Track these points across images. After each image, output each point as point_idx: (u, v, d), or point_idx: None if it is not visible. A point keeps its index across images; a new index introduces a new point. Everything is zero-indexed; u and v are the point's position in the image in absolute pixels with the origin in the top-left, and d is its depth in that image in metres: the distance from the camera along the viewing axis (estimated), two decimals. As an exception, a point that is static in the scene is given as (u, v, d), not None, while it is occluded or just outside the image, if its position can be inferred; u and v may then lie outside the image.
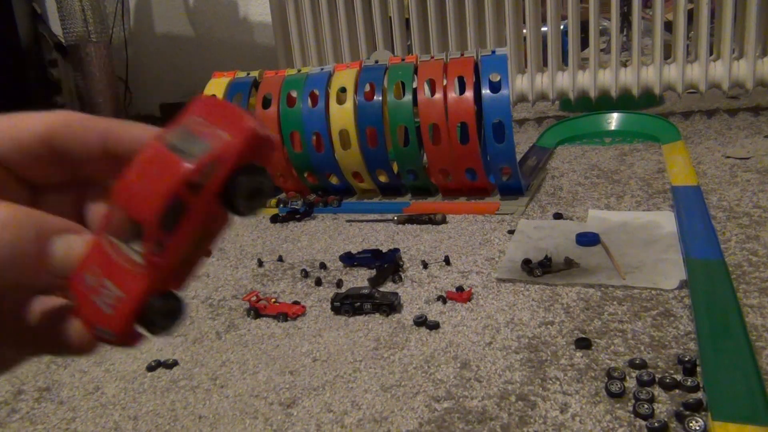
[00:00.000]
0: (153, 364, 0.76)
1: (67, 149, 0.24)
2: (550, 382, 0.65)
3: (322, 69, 1.40)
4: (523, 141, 1.77)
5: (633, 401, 0.59)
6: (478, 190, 1.31)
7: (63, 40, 2.36)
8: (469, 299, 0.85)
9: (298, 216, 1.30)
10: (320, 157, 1.36)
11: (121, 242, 0.22)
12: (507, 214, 1.19)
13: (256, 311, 0.86)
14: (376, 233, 1.17)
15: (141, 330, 0.22)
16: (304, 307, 0.87)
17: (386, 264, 0.97)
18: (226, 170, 0.20)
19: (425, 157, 1.32)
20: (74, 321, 0.23)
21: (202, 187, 0.20)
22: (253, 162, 0.21)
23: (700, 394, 0.60)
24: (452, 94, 1.23)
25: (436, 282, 0.92)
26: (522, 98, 1.96)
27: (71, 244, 0.22)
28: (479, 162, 1.25)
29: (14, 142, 0.23)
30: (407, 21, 1.99)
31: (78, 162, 0.24)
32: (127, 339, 0.22)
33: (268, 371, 0.73)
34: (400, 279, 0.93)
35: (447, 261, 0.98)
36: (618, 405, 0.60)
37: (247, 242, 1.19)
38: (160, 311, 0.22)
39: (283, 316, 0.85)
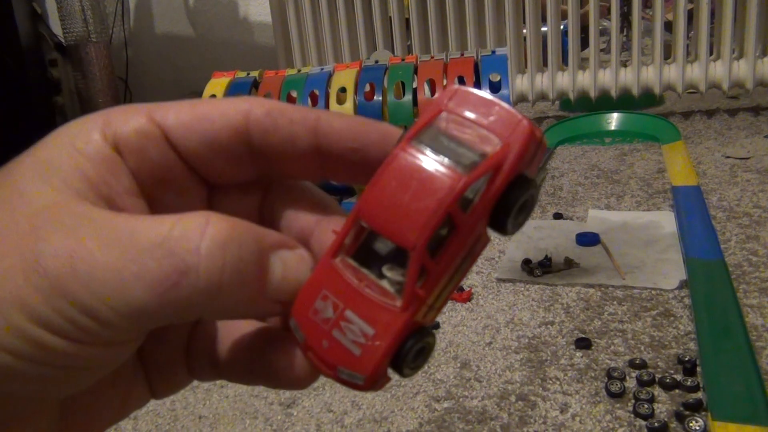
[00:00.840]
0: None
1: (269, 145, 0.19)
2: (550, 382, 0.65)
3: (322, 69, 1.40)
4: (523, 141, 1.76)
5: (633, 401, 0.59)
6: (478, 190, 1.31)
7: (63, 40, 2.36)
8: (469, 299, 0.85)
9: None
10: (320, 157, 1.36)
11: (360, 266, 0.18)
12: (507, 214, 1.19)
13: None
14: (376, 233, 1.17)
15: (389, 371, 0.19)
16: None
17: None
18: (503, 183, 0.17)
19: (425, 157, 1.31)
20: (298, 354, 0.20)
21: (472, 203, 0.17)
22: (524, 172, 0.17)
23: (700, 394, 0.60)
24: (452, 94, 1.23)
25: (436, 282, 0.92)
26: (522, 98, 1.96)
27: (289, 263, 0.19)
28: (479, 162, 1.25)
29: (202, 135, 0.19)
30: (407, 21, 1.99)
31: (279, 160, 0.20)
32: (375, 384, 0.18)
33: (268, 371, 0.72)
34: (400, 279, 0.93)
35: (447, 261, 0.98)
36: (618, 405, 0.60)
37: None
38: (415, 351, 0.18)
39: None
